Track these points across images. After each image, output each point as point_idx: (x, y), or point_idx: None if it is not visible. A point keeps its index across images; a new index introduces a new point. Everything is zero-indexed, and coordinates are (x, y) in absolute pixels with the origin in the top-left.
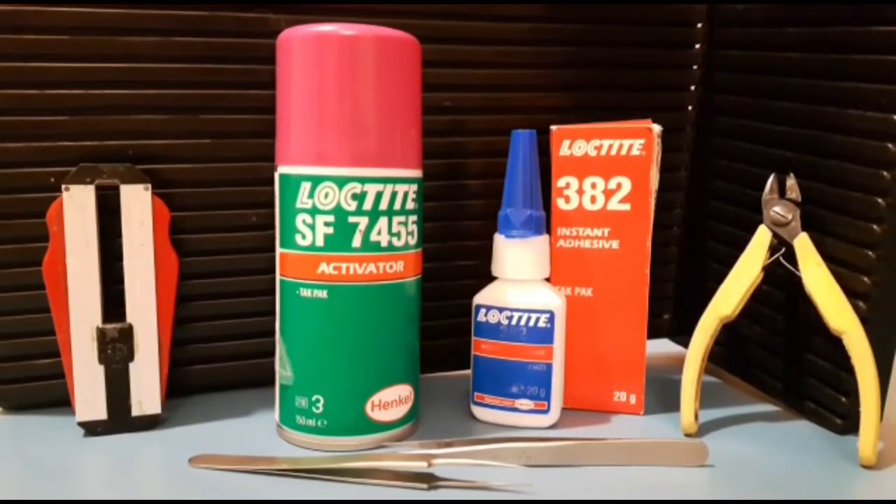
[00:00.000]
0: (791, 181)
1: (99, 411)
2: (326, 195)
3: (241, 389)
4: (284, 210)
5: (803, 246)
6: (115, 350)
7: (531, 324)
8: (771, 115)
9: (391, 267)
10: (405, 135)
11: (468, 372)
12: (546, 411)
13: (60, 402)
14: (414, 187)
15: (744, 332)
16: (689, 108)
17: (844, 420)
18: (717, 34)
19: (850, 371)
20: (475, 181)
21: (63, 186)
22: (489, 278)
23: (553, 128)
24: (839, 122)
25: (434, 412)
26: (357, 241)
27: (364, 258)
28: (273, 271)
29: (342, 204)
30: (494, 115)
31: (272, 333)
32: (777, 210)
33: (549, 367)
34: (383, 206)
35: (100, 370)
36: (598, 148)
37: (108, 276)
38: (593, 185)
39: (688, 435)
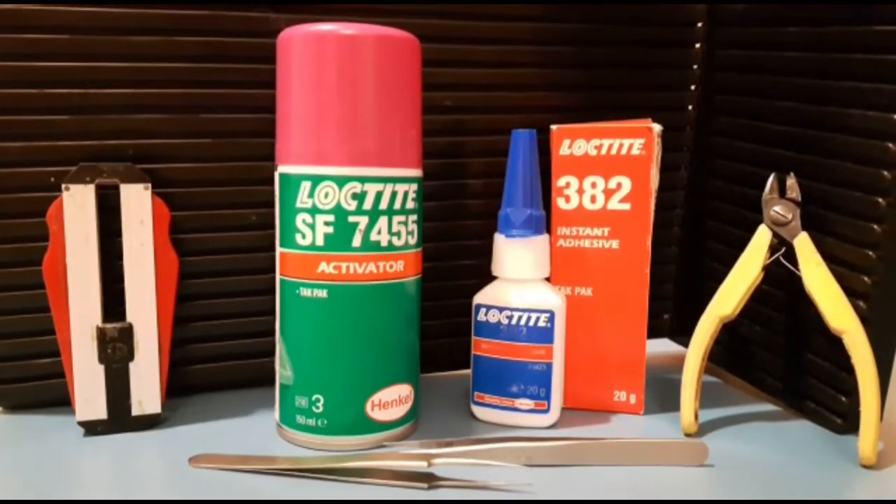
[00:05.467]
0: (791, 181)
1: (99, 411)
2: (326, 195)
3: (242, 389)
4: (284, 209)
5: (803, 245)
6: (116, 349)
7: (531, 323)
8: (771, 114)
9: (391, 266)
10: (405, 134)
11: (468, 371)
12: (546, 411)
13: (60, 401)
14: (414, 187)
15: (744, 331)
16: (690, 107)
17: (844, 420)
18: (717, 34)
19: (850, 371)
20: (475, 181)
21: (63, 186)
22: (489, 278)
23: (553, 127)
24: (840, 121)
25: (434, 412)
26: (357, 241)
27: (364, 258)
28: (273, 271)
29: (342, 203)
30: (494, 114)
31: (272, 333)
32: (777, 210)
33: (549, 366)
34: (383, 205)
35: (100, 369)
36: (599, 147)
37: (108, 275)
38: (593, 185)
39: (688, 435)
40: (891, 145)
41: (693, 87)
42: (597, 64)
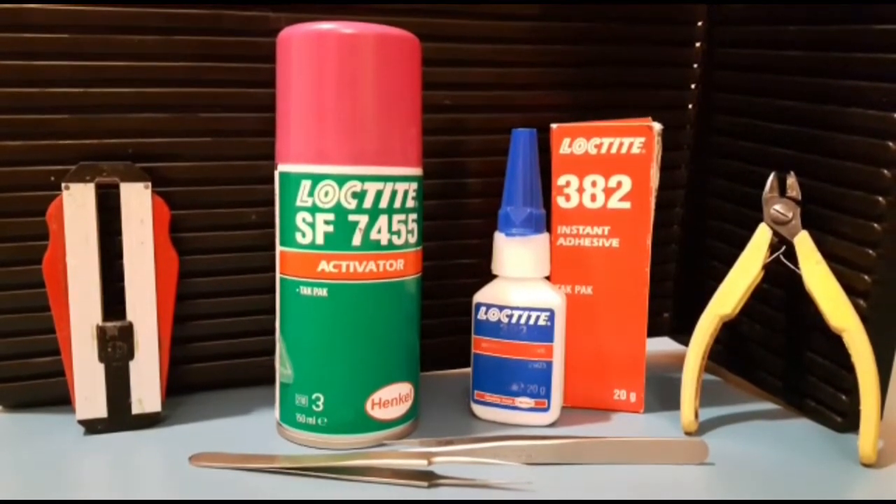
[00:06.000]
0: (791, 179)
1: (99, 409)
2: (326, 193)
3: (242, 388)
4: (284, 208)
5: (804, 244)
6: (116, 348)
7: (531, 322)
8: (771, 113)
9: (391, 265)
10: (405, 133)
11: (468, 370)
12: (546, 409)
13: (61, 400)
14: (414, 185)
15: (744, 330)
16: (690, 106)
17: (844, 418)
18: (717, 32)
19: (850, 369)
20: (475, 179)
21: (63, 185)
22: (489, 276)
23: (553, 126)
24: (840, 120)
25: (434, 410)
26: (357, 240)
27: (364, 256)
28: (273, 270)
29: (342, 202)
30: (495, 113)
31: (272, 332)
32: (777, 208)
33: (549, 365)
34: (383, 204)
35: (100, 368)
36: (599, 146)
37: (108, 274)
38: (593, 184)
39: (688, 433)
40: (891, 144)
41: (693, 86)
42: (597, 62)
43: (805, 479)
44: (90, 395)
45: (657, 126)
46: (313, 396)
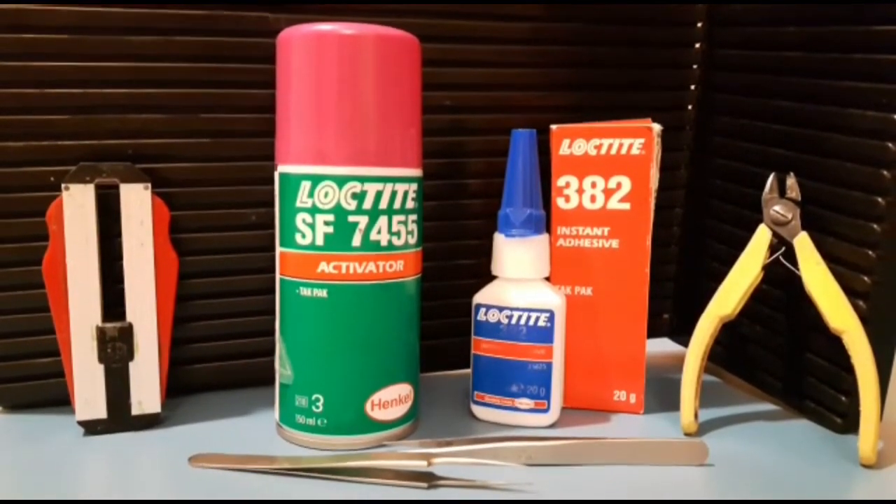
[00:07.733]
0: (791, 180)
1: (99, 410)
2: (326, 194)
3: (241, 388)
4: (284, 209)
5: (803, 245)
6: (115, 349)
7: (531, 323)
8: (771, 114)
9: (391, 266)
10: (405, 134)
11: (468, 371)
12: (546, 410)
13: (60, 401)
14: (414, 186)
15: (744, 331)
16: (689, 107)
17: (844, 419)
18: (716, 33)
19: (850, 370)
20: (475, 180)
21: (63, 185)
22: (489, 277)
23: (553, 127)
24: (839, 121)
25: (434, 411)
26: (357, 241)
27: (364, 257)
28: (273, 270)
29: (342, 203)
30: (494, 114)
31: (272, 332)
32: (777, 209)
33: (549, 366)
34: (383, 205)
35: (99, 369)
36: (598, 147)
37: (107, 275)
38: (593, 185)
39: (687, 434)
40: (890, 145)
41: (693, 87)
42: (596, 63)
43: (805, 481)
44: (90, 396)
45: (657, 127)
46: (313, 397)
